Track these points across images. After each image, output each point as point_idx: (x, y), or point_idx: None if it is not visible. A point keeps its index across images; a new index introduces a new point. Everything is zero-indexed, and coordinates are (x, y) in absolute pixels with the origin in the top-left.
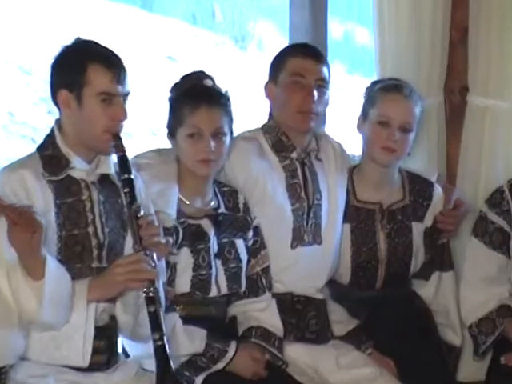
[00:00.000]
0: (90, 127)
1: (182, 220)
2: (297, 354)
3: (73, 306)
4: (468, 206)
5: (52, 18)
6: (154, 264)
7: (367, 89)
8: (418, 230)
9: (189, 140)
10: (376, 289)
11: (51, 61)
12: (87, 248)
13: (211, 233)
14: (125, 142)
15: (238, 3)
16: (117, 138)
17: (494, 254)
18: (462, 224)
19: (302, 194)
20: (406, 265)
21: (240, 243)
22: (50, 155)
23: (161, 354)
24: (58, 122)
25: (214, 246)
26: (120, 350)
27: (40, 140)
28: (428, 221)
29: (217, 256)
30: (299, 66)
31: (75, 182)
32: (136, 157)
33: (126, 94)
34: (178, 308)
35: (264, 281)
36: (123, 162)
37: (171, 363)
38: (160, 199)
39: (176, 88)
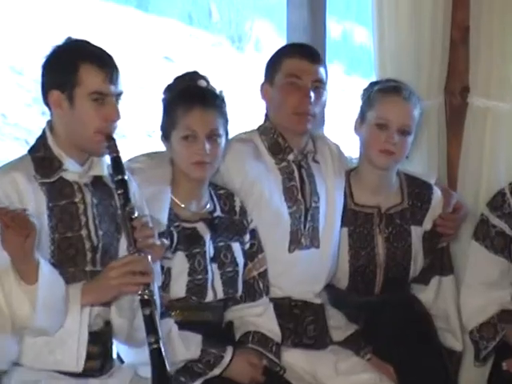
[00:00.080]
0: (82, 128)
1: (177, 224)
2: (295, 359)
3: (66, 311)
4: (468, 209)
5: (45, 18)
6: (149, 265)
7: (365, 90)
8: (416, 233)
9: (183, 142)
10: (374, 294)
11: (42, 61)
12: (81, 251)
13: (207, 237)
14: (118, 143)
15: (235, 2)
16: (110, 138)
17: (496, 258)
18: (462, 227)
19: (299, 196)
20: (404, 269)
21: (236, 247)
22: (41, 157)
23: (156, 357)
24: (49, 123)
25: (209, 249)
26: (115, 356)
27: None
28: (427, 224)
29: (213, 260)
30: (295, 67)
31: (68, 184)
32: (129, 161)
33: (119, 94)
34: (173, 313)
35: (261, 285)
36: (116, 163)
37: (167, 367)
38: (151, 203)
39: (169, 89)
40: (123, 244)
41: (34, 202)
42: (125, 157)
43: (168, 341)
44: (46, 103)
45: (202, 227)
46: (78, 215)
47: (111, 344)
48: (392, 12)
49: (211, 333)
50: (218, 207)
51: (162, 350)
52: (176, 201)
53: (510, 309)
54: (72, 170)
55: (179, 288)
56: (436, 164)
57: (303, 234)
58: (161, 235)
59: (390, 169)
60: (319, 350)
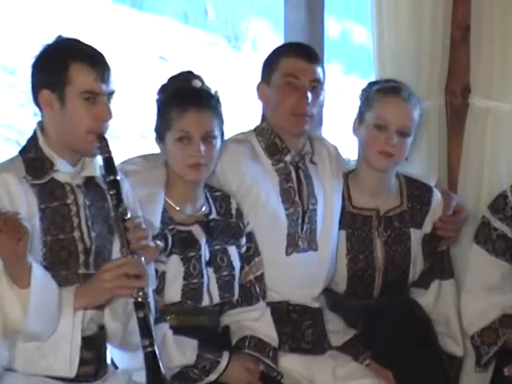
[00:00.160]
0: (74, 128)
1: (172, 227)
2: (292, 364)
3: (59, 315)
4: (468, 211)
5: (37, 17)
6: (142, 267)
7: (364, 90)
8: (416, 236)
9: (178, 144)
10: (373, 298)
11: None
12: (73, 253)
13: (202, 240)
14: (110, 143)
15: (232, 1)
16: (101, 138)
17: (497, 261)
18: (463, 230)
19: (297, 198)
20: (404, 273)
21: (233, 250)
22: (32, 158)
23: (151, 360)
24: (40, 123)
25: (205, 253)
26: (109, 361)
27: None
28: (427, 227)
29: (208, 264)
30: (292, 67)
31: (59, 185)
32: (124, 163)
33: (111, 93)
34: (168, 318)
35: (258, 289)
36: (109, 163)
37: (162, 370)
38: (145, 205)
39: (163, 90)
40: (116, 246)
41: (25, 203)
42: (118, 158)
43: (163, 346)
44: (37, 103)
45: (197, 230)
46: (71, 217)
47: (105, 349)
48: (391, 11)
49: (207, 338)
50: (213, 210)
51: (157, 352)
52: (171, 203)
53: None
54: (64, 170)
55: (174, 292)
56: (436, 166)
57: (300, 237)
58: (155, 238)
59: (389, 171)
60: (317, 355)
